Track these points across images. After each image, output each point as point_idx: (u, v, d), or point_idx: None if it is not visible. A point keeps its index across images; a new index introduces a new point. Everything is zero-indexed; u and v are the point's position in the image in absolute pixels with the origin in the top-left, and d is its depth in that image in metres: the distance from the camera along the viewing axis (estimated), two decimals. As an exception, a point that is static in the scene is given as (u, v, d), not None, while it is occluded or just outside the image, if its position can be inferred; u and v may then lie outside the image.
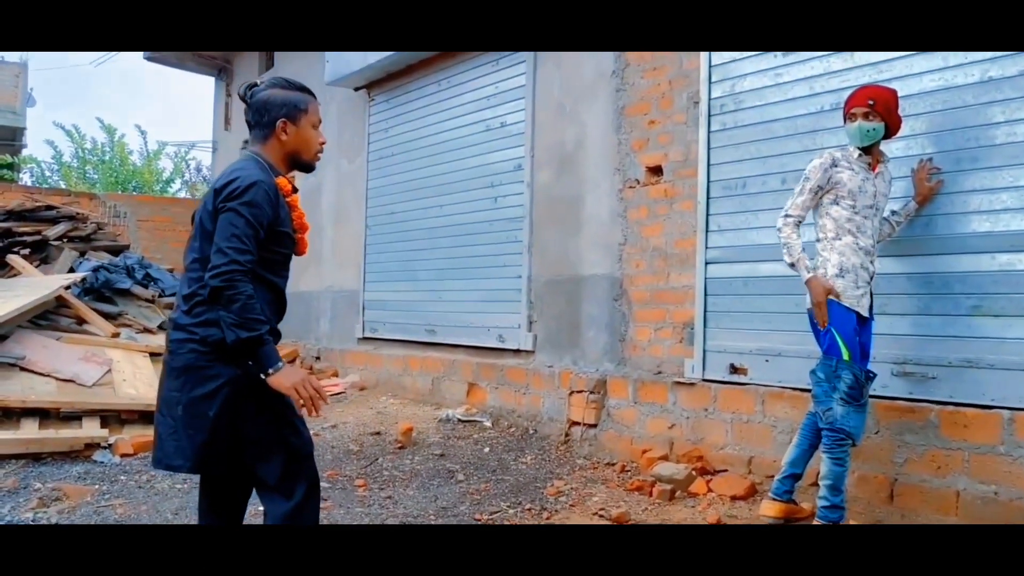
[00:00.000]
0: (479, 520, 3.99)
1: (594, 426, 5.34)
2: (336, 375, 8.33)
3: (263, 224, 2.39)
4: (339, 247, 8.72)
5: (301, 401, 2.32)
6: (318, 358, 8.87)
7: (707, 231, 4.86)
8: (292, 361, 9.05)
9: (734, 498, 4.17)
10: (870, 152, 3.61)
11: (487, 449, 5.38)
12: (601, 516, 3.99)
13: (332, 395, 7.39)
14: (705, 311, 4.84)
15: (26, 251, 7.92)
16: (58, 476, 4.85)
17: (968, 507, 3.54)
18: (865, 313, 3.56)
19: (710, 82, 4.89)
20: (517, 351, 6.23)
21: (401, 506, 4.26)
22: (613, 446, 5.17)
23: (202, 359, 2.38)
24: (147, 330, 7.14)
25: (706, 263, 4.85)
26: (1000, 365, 3.56)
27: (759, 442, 4.39)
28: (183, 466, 2.41)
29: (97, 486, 4.69)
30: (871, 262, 3.59)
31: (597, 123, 5.72)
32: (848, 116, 3.61)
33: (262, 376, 2.32)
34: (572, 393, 5.52)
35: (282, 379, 2.32)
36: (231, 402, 2.37)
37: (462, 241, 6.93)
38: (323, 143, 2.69)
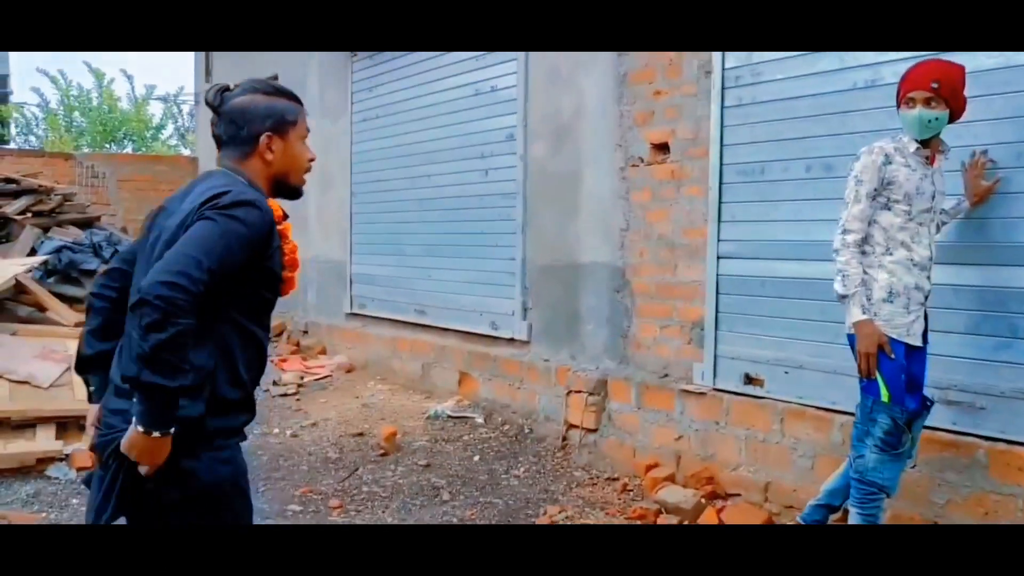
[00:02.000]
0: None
1: (594, 431, 4.87)
2: (324, 352, 7.87)
3: (242, 250, 1.79)
4: (324, 215, 8.15)
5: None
6: (306, 332, 8.40)
7: (719, 221, 4.29)
8: (280, 335, 8.60)
9: (748, 533, 3.71)
10: (928, 144, 3.00)
11: (477, 457, 4.92)
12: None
13: (317, 379, 6.95)
14: (717, 311, 4.31)
15: (-17, 228, 7.38)
16: (5, 498, 4.43)
17: (1021, 563, 3.07)
18: (916, 342, 2.99)
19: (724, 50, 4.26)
20: (511, 340, 5.72)
21: (376, 541, 3.83)
22: (614, 455, 4.71)
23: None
24: (116, 314, 6.65)
25: (718, 257, 4.29)
26: (1064, 400, 3.04)
27: (777, 465, 3.92)
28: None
29: (45, 513, 4.27)
30: (926, 278, 3.00)
31: (596, 91, 5.09)
32: (904, 101, 2.96)
33: (137, 427, 1.70)
34: (570, 392, 5.04)
35: (134, 443, 1.71)
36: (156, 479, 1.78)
37: (452, 216, 6.37)
38: (312, 159, 2.12)
